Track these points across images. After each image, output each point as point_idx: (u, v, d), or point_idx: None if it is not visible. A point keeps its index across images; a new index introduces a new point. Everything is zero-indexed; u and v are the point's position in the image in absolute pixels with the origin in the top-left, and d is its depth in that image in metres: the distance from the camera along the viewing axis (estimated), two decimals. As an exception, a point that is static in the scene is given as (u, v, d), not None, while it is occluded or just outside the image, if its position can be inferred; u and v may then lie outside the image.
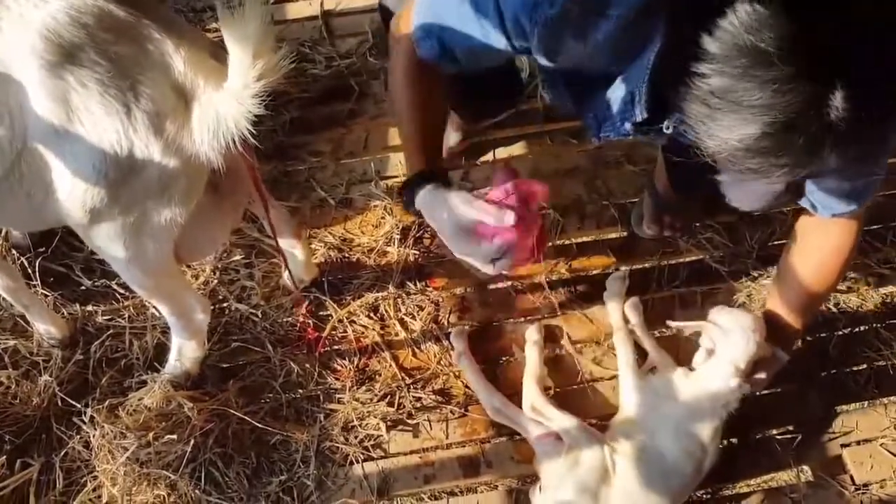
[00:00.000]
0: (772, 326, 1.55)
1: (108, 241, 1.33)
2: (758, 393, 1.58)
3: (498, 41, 1.22)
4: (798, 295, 1.53)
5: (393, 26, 1.38)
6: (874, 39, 0.83)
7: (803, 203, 1.39)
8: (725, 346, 1.54)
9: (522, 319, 1.87)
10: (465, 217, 1.24)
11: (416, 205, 1.32)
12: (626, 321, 1.80)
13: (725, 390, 1.54)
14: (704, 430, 1.55)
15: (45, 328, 1.79)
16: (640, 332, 1.77)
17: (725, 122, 0.89)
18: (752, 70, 0.84)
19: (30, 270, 1.86)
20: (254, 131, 1.21)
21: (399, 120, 1.41)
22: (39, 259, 1.88)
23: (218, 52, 1.25)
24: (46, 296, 1.86)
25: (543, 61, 1.23)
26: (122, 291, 1.88)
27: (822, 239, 1.46)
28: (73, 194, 1.25)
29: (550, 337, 1.84)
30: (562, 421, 1.61)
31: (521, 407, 1.68)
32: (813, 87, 0.83)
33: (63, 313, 1.85)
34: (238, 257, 1.95)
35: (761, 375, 1.56)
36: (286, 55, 1.16)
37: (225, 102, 1.20)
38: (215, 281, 1.92)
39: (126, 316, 1.86)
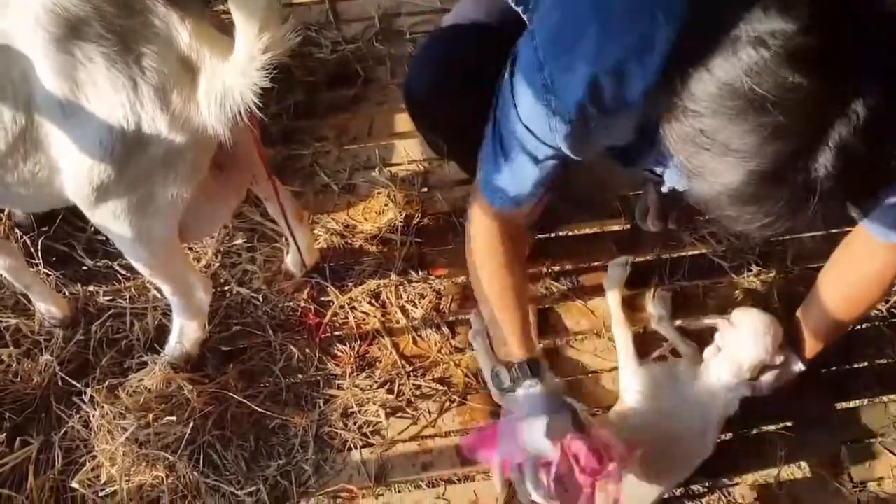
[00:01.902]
0: (796, 335, 1.54)
1: (113, 219, 1.33)
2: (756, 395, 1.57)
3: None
4: (828, 314, 1.50)
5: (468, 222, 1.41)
6: (873, 109, 0.81)
7: (862, 224, 1.32)
8: (733, 345, 1.53)
9: (524, 309, 1.87)
10: (545, 453, 1.29)
11: (513, 400, 1.37)
12: (642, 312, 1.81)
13: (724, 389, 1.54)
14: (700, 423, 1.55)
15: (47, 308, 1.79)
16: (665, 324, 1.77)
17: (711, 163, 0.88)
18: (744, 114, 0.83)
19: (32, 249, 1.86)
20: (259, 104, 1.20)
21: (486, 292, 1.43)
22: (42, 238, 1.88)
23: (224, 26, 1.24)
24: (48, 275, 1.86)
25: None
26: (123, 272, 1.88)
27: (867, 265, 1.40)
28: (79, 171, 1.24)
29: (552, 328, 1.84)
30: None
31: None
32: (803, 140, 0.82)
33: (65, 293, 1.85)
34: (240, 241, 1.95)
35: (767, 380, 1.55)
36: (293, 29, 1.15)
37: (231, 74, 1.19)
38: (217, 264, 1.91)
39: (127, 297, 1.86)
